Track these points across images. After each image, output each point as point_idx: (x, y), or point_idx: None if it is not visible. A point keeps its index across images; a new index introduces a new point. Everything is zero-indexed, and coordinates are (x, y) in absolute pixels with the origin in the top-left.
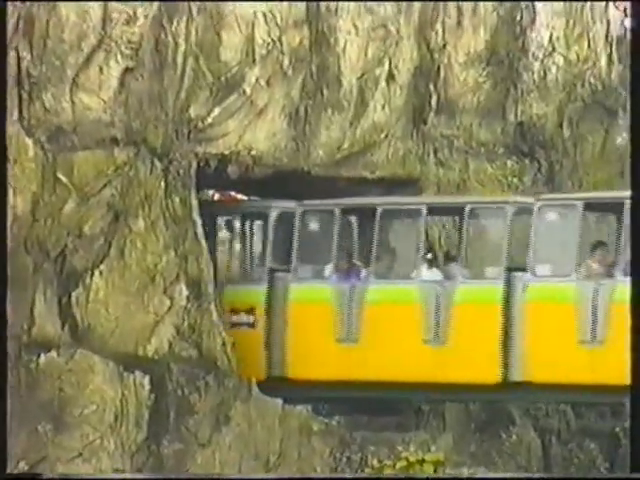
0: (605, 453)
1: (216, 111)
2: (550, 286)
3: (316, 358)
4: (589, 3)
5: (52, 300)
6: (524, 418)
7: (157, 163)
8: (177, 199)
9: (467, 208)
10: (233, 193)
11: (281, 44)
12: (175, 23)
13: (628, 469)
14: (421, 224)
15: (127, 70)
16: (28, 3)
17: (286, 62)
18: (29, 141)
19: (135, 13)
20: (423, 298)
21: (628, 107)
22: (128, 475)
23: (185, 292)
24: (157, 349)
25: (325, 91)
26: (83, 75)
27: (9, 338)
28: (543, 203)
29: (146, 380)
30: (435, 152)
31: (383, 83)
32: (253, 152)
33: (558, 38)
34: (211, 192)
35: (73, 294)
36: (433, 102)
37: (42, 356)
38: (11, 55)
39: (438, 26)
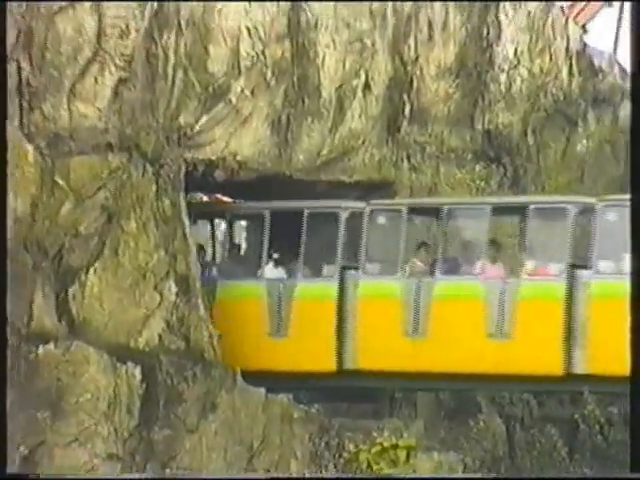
0: (565, 438)
1: (204, 119)
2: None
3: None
4: (550, 20)
5: (50, 296)
6: (490, 406)
7: (148, 167)
8: (167, 201)
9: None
10: (219, 196)
11: (264, 57)
12: (165, 37)
13: (587, 453)
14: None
15: (120, 81)
16: (27, 17)
17: (269, 74)
18: (29, 147)
19: (128, 27)
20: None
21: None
22: (128, 475)
23: (174, 288)
24: (148, 341)
25: (306, 100)
26: (79, 85)
27: (11, 332)
28: (372, 208)
29: (137, 370)
30: (408, 158)
31: (360, 93)
32: (238, 157)
33: (522, 52)
34: (199, 195)
35: (69, 290)
36: (406, 111)
37: (40, 348)
38: (12, 66)
39: (411, 40)
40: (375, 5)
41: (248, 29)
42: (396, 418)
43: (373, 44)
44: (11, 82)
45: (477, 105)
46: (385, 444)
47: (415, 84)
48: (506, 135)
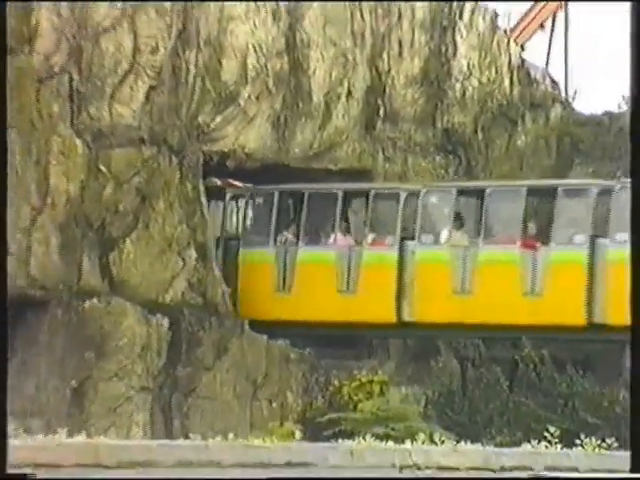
0: (506, 374)
1: (218, 119)
2: None
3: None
4: (496, 40)
5: (94, 260)
6: (448, 350)
7: (174, 158)
8: (189, 185)
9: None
10: (231, 180)
11: (267, 69)
12: (187, 53)
13: (524, 386)
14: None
15: (151, 88)
16: (77, 37)
17: (270, 83)
18: (78, 141)
19: (157, 45)
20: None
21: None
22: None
23: (194, 255)
24: (173, 297)
25: (300, 104)
26: (118, 92)
27: (64, 289)
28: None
29: (165, 321)
30: (383, 150)
31: (343, 98)
32: (246, 150)
33: (474, 66)
34: (214, 180)
35: (110, 256)
36: (381, 113)
37: (87, 302)
38: (65, 77)
39: (384, 55)
40: (356, 27)
41: (254, 46)
42: (372, 359)
43: (354, 59)
44: (63, 90)
45: (437, 108)
46: (363, 380)
47: (388, 91)
48: (460, 132)
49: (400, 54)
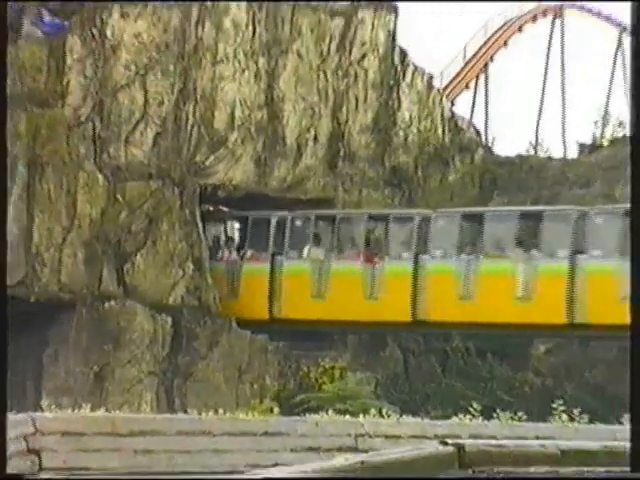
0: (439, 362)
1: (211, 158)
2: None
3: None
4: (432, 96)
5: (112, 270)
6: (394, 342)
7: (175, 189)
8: (187, 211)
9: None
10: (221, 207)
11: (250, 119)
12: (187, 105)
13: (454, 371)
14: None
15: (157, 133)
16: (100, 93)
17: (253, 130)
18: (100, 176)
19: (163, 99)
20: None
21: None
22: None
23: (191, 267)
24: (175, 301)
25: (276, 147)
26: (131, 136)
27: (87, 293)
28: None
29: (169, 319)
30: (342, 184)
31: (311, 142)
32: (233, 182)
33: (414, 117)
34: (207, 206)
35: (125, 267)
36: (341, 154)
37: (106, 303)
38: (89, 125)
39: (344, 109)
40: (321, 86)
41: (239, 101)
42: (333, 351)
43: (319, 111)
44: (88, 135)
45: (386, 150)
46: (326, 366)
47: (346, 137)
48: (404, 170)
49: (356, 107)
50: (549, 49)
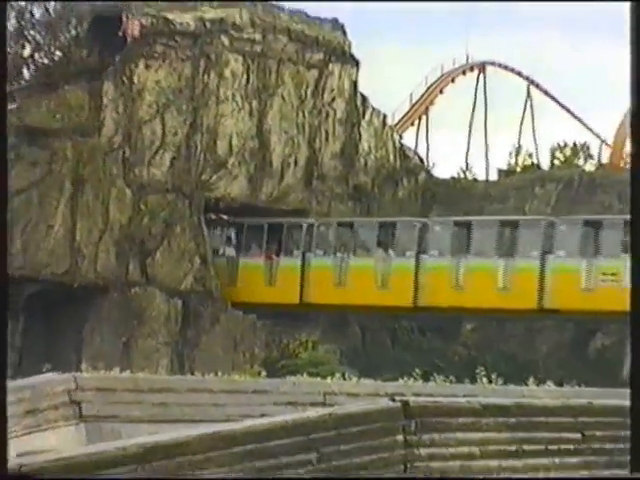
0: (390, 338)
1: (214, 177)
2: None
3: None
4: (386, 130)
5: (137, 263)
6: (354, 322)
7: (186, 201)
8: (195, 218)
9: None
10: (222, 215)
11: (244, 147)
12: (195, 136)
13: (401, 346)
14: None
15: (173, 158)
16: (128, 125)
17: (247, 155)
18: (128, 191)
19: (177, 131)
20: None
21: None
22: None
23: (198, 261)
24: (185, 287)
25: (265, 169)
26: (153, 160)
27: (117, 280)
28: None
29: (180, 302)
30: (316, 198)
31: (292, 166)
32: (231, 196)
33: (371, 147)
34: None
35: (147, 260)
36: (315, 175)
37: (132, 289)
38: (120, 152)
39: (317, 140)
40: (299, 121)
41: (236, 132)
42: (308, 328)
43: (298, 141)
44: (119, 159)
45: (350, 172)
46: (302, 340)
47: (319, 161)
48: (364, 187)
49: (327, 139)
50: (475, 96)
